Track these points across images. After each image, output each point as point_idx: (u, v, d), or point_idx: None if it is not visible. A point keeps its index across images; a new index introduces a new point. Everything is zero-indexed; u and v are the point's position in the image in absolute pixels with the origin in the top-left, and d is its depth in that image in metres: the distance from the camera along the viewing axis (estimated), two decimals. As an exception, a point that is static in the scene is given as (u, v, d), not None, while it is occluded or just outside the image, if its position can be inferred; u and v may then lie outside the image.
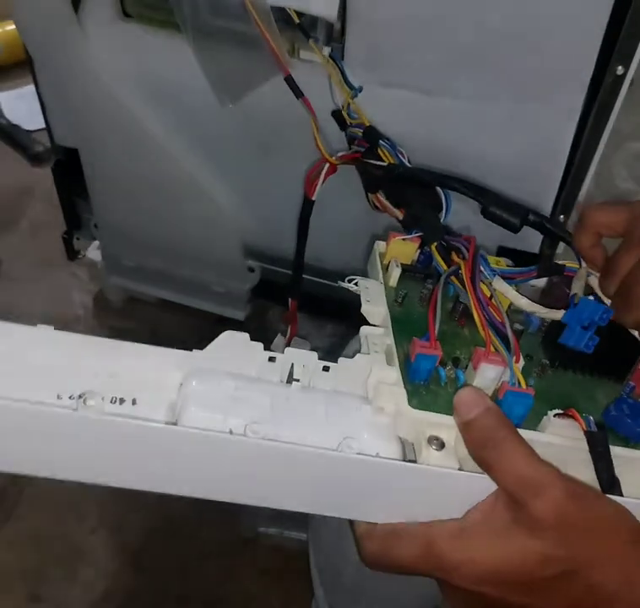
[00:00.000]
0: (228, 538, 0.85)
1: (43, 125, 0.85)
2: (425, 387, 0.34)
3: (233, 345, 0.35)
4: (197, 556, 0.84)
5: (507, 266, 0.41)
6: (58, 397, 0.31)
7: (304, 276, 0.82)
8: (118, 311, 1.05)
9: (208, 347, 0.35)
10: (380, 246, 0.43)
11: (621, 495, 0.31)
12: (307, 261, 0.79)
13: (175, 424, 0.31)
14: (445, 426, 0.32)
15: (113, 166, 0.78)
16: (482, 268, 0.38)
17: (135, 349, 0.34)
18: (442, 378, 0.35)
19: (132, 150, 0.75)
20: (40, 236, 1.16)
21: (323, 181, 0.53)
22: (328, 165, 0.52)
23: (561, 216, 0.64)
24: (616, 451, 0.33)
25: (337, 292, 0.83)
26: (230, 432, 0.30)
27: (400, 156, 0.50)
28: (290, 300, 0.66)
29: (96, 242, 0.98)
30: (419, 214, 0.45)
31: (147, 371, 0.33)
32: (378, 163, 0.50)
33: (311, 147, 0.57)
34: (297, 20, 0.58)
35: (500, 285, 0.38)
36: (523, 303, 0.38)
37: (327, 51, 0.60)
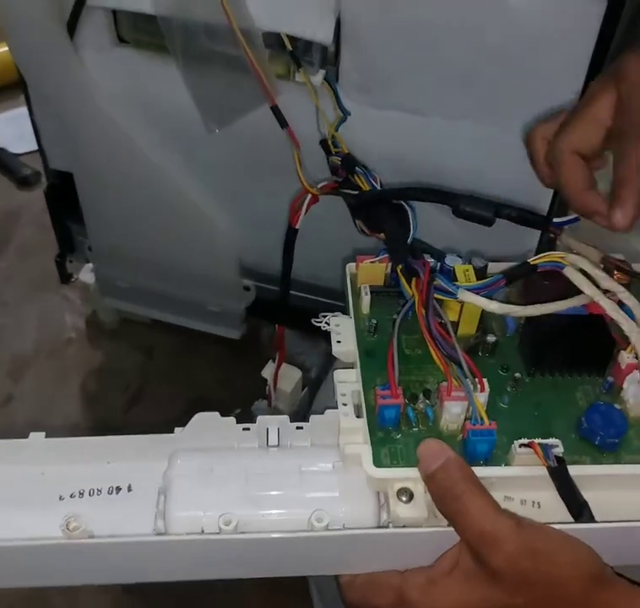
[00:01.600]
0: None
1: (31, 148, 0.85)
2: (396, 429, 0.35)
3: (208, 424, 0.38)
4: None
5: (477, 269, 0.40)
6: (61, 498, 0.35)
7: (299, 294, 0.83)
8: (112, 333, 1.05)
9: (185, 429, 0.38)
10: (351, 268, 0.43)
11: (592, 519, 0.32)
12: (303, 279, 0.80)
13: (162, 522, 0.34)
14: (412, 478, 0.33)
15: (108, 190, 0.78)
16: (443, 285, 0.38)
17: (122, 440, 0.38)
18: (411, 419, 0.36)
19: (127, 174, 0.75)
20: (30, 260, 1.16)
21: (306, 211, 0.54)
22: (310, 195, 0.54)
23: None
24: (588, 470, 0.34)
25: (332, 310, 0.84)
26: (202, 531, 0.33)
27: (373, 182, 0.50)
28: (276, 326, 0.67)
29: (89, 265, 0.98)
30: (388, 236, 0.45)
31: (137, 459, 0.37)
32: (351, 192, 0.51)
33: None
34: (290, 47, 0.59)
35: (465, 296, 0.38)
36: (494, 307, 0.38)
37: (322, 73, 0.61)
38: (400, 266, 0.40)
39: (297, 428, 0.38)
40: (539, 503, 0.34)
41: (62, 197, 0.88)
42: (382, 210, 0.46)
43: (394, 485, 0.33)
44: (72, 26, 0.65)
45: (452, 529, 0.32)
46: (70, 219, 0.91)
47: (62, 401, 0.99)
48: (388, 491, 0.34)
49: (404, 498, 0.33)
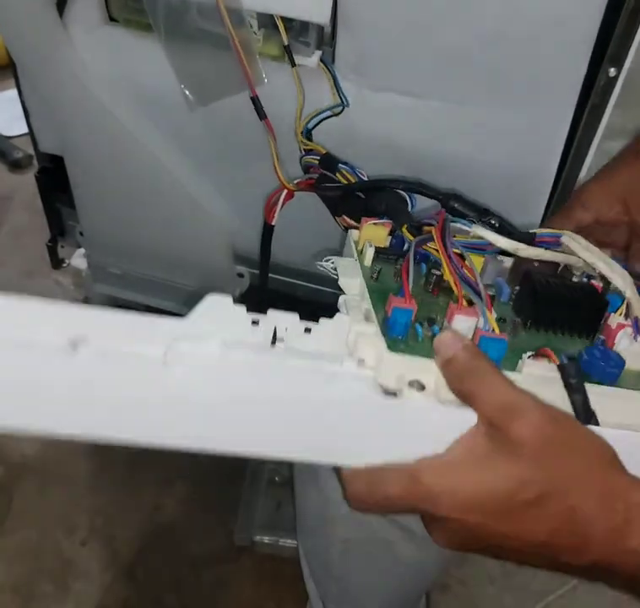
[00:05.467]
0: (222, 546, 0.85)
1: (23, 131, 0.84)
2: (404, 341, 0.36)
3: (216, 310, 0.36)
4: (191, 565, 0.84)
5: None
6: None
7: (292, 280, 0.82)
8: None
9: (192, 313, 0.35)
10: (353, 234, 0.45)
11: (598, 425, 0.33)
12: (295, 265, 0.79)
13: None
14: (425, 369, 0.34)
15: (99, 173, 0.77)
16: (457, 223, 0.40)
17: (116, 315, 0.35)
18: (419, 335, 0.36)
19: (118, 157, 0.74)
20: (22, 244, 1.15)
21: (282, 207, 0.55)
22: (285, 191, 0.53)
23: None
24: (592, 388, 0.34)
25: (327, 297, 0.83)
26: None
27: (361, 176, 0.51)
28: None
29: (81, 250, 0.96)
30: (387, 209, 0.47)
31: (130, 337, 0.34)
32: (334, 185, 0.51)
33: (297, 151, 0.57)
34: (285, 40, 0.57)
35: (478, 229, 0.40)
36: (504, 242, 0.39)
37: (318, 55, 0.59)
38: (405, 225, 0.41)
39: (306, 330, 0.36)
40: None
41: (54, 181, 0.86)
42: (374, 197, 0.47)
43: (405, 377, 0.33)
44: (61, 4, 0.64)
45: (465, 409, 0.32)
46: (61, 203, 0.90)
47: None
48: (400, 386, 0.33)
49: (415, 389, 0.33)
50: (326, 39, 0.60)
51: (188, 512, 0.85)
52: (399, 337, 0.35)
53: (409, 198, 0.47)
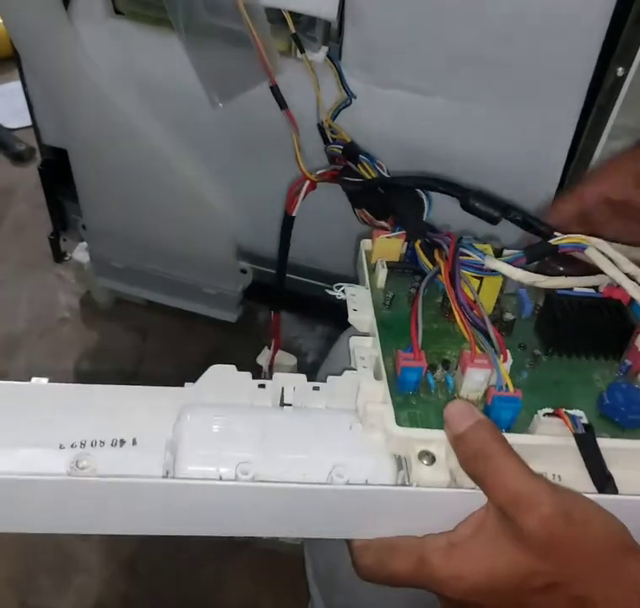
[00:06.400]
0: (221, 542, 0.85)
1: (25, 123, 0.84)
2: (415, 396, 0.34)
3: (222, 378, 0.35)
4: (191, 561, 0.84)
5: (495, 251, 0.40)
6: (61, 447, 0.32)
7: (296, 278, 0.82)
8: (106, 313, 1.04)
9: (199, 381, 0.35)
10: (366, 244, 0.43)
11: (616, 491, 0.32)
12: (299, 263, 0.79)
13: (171, 472, 0.32)
14: (435, 440, 0.32)
15: (103, 167, 0.77)
16: (470, 253, 0.38)
17: (129, 390, 0.35)
18: (431, 386, 0.35)
19: (122, 150, 0.73)
20: (24, 237, 1.14)
21: (304, 198, 0.53)
22: (308, 182, 0.52)
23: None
24: (611, 443, 0.33)
25: (329, 294, 0.83)
26: (220, 478, 0.31)
27: (379, 169, 0.50)
28: (272, 313, 0.66)
29: (83, 244, 0.96)
30: (403, 215, 0.45)
31: (143, 411, 0.34)
32: (355, 180, 0.50)
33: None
34: (293, 30, 0.57)
35: (492, 263, 0.38)
36: (520, 275, 0.37)
37: (324, 50, 0.59)
38: (419, 241, 0.39)
39: (314, 388, 0.35)
40: (559, 476, 0.33)
41: (57, 174, 0.86)
42: (392, 197, 0.45)
43: (416, 448, 0.32)
44: (66, -3, 0.64)
45: (477, 491, 0.31)
46: (64, 196, 0.89)
47: (55, 381, 0.98)
48: (409, 454, 0.32)
49: (425, 461, 0.32)
50: (333, 35, 0.59)
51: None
52: (410, 392, 0.34)
53: (427, 197, 0.45)
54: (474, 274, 0.38)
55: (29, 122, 0.84)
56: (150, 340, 1.01)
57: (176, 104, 0.69)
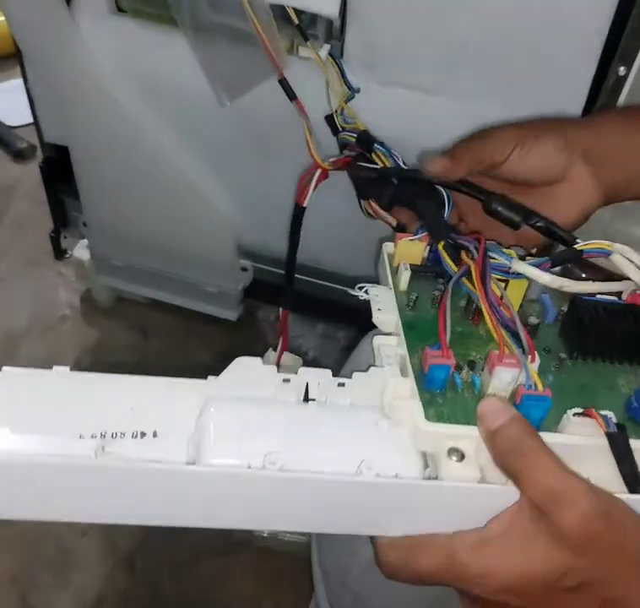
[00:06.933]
0: (222, 540, 0.85)
1: (26, 121, 0.84)
2: (442, 394, 0.34)
3: (246, 371, 0.35)
4: (191, 558, 0.84)
5: (518, 256, 0.40)
6: (81, 437, 0.31)
7: (300, 276, 0.82)
8: (106, 310, 1.04)
9: (223, 374, 0.35)
10: (388, 247, 0.42)
11: None
12: (303, 262, 0.79)
13: (194, 464, 0.31)
14: (463, 436, 0.32)
15: (104, 164, 0.77)
16: (496, 257, 0.38)
17: (151, 381, 0.34)
18: (457, 385, 0.34)
19: (124, 148, 0.73)
20: (25, 235, 1.14)
21: (315, 188, 0.52)
22: (319, 171, 0.52)
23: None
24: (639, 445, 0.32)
25: (331, 293, 0.83)
26: (249, 467, 0.30)
27: (396, 159, 0.49)
28: (280, 310, 0.65)
29: (83, 241, 0.96)
30: (422, 214, 0.45)
31: (165, 403, 0.33)
32: (372, 166, 0.49)
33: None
34: (296, 21, 0.57)
35: (519, 266, 0.37)
36: (547, 279, 0.37)
37: (326, 48, 0.59)
38: (442, 243, 0.39)
39: (339, 385, 0.35)
40: (588, 478, 0.32)
41: (58, 171, 0.86)
42: (408, 190, 0.45)
43: (445, 444, 0.32)
44: (69, -6, 0.64)
45: (509, 488, 0.30)
46: (65, 194, 0.89)
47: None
48: (438, 450, 0.32)
49: (455, 458, 0.31)
50: (335, 33, 0.59)
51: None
52: (437, 390, 0.34)
53: (447, 196, 0.44)
54: (499, 277, 0.38)
55: (30, 120, 0.84)
56: (150, 338, 1.01)
57: (177, 101, 0.69)
